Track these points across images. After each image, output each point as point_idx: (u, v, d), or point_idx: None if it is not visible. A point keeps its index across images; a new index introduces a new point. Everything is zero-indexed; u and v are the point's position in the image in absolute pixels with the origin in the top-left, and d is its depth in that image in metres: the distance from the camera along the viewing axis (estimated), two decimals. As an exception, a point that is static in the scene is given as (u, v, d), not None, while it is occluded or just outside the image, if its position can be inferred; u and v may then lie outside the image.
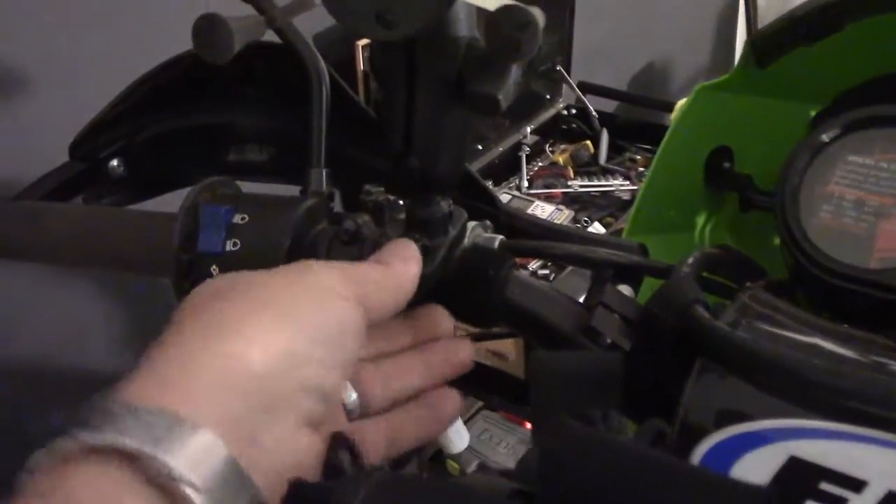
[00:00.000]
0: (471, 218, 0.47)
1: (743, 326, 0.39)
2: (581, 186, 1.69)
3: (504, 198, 1.65)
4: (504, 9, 0.32)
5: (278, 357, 0.33)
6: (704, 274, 0.46)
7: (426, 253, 0.41)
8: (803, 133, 0.59)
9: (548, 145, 1.80)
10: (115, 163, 0.58)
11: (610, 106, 1.93)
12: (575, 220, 1.60)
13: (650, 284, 0.47)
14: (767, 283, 0.45)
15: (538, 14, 0.32)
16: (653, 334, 0.40)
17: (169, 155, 0.58)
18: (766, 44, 0.53)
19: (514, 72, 0.36)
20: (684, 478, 0.29)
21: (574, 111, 1.86)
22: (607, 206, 1.64)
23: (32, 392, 1.10)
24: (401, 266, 0.40)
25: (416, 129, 0.40)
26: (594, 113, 1.80)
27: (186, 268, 0.43)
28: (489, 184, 1.67)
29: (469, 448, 1.48)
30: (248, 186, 0.54)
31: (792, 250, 0.45)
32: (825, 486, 0.34)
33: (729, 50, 2.47)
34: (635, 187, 1.66)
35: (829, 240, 0.44)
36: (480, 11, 0.36)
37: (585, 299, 0.44)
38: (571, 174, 1.72)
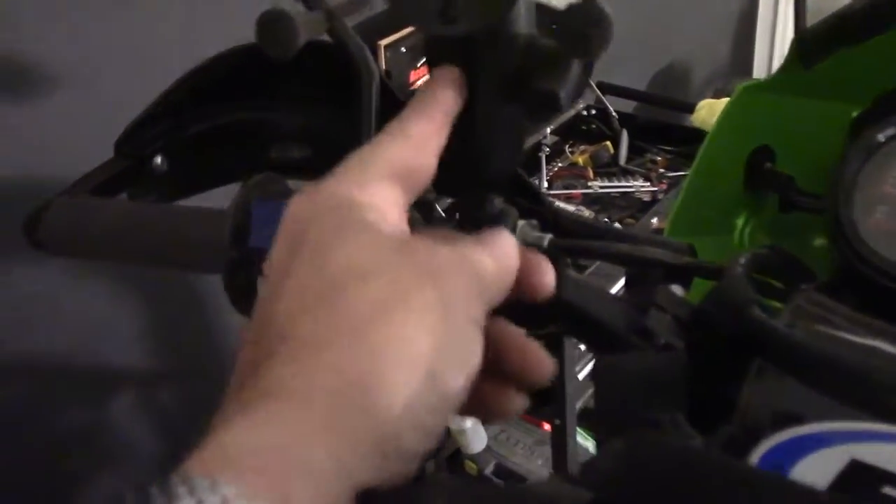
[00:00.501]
0: (521, 216, 0.47)
1: (800, 328, 0.39)
2: (601, 187, 1.69)
3: (524, 198, 1.65)
4: (578, 5, 0.32)
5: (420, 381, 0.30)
6: (754, 275, 0.46)
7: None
8: (844, 134, 0.59)
9: (567, 146, 1.80)
10: (158, 159, 0.58)
11: (629, 106, 1.92)
12: (595, 220, 1.60)
13: (697, 286, 0.47)
14: (818, 285, 0.45)
15: (610, 11, 0.32)
16: (708, 335, 0.40)
17: (212, 152, 0.58)
18: (812, 44, 0.53)
19: (576, 69, 0.36)
20: (770, 489, 0.29)
21: (594, 112, 1.85)
22: (627, 206, 1.64)
23: (48, 389, 1.11)
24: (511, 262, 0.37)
25: (472, 127, 0.40)
26: (614, 113, 1.80)
27: (237, 264, 0.43)
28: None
29: (487, 448, 1.48)
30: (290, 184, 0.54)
31: (844, 251, 0.45)
32: (888, 490, 0.34)
33: (748, 50, 2.46)
34: (655, 188, 1.66)
35: (884, 241, 0.44)
36: (543, 9, 0.36)
37: (630, 296, 0.44)
38: (591, 175, 1.72)
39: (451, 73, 0.37)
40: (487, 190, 0.42)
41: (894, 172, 0.44)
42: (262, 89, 0.56)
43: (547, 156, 1.75)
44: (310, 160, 0.57)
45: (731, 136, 0.59)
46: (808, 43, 0.53)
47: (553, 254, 0.45)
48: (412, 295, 0.31)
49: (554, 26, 0.33)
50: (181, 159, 0.58)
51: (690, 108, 1.78)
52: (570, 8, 0.32)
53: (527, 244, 0.46)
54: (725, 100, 1.93)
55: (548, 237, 0.46)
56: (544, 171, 1.72)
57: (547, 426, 1.46)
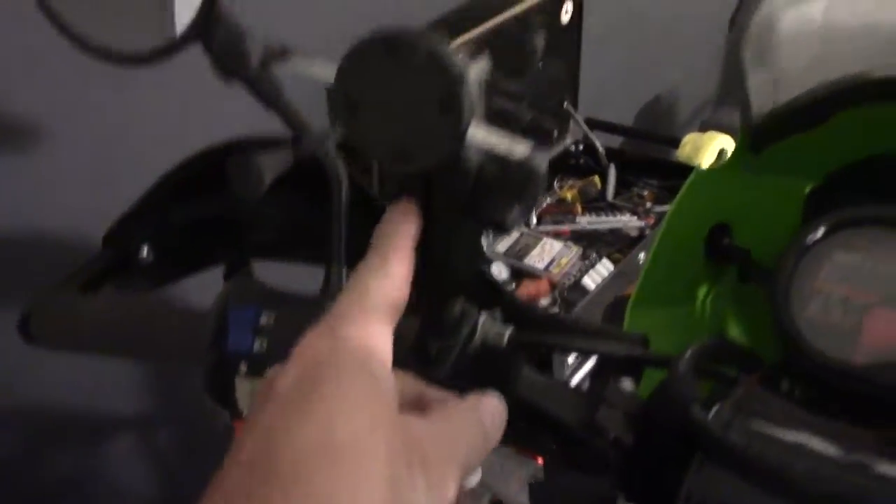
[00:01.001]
0: (483, 308, 0.50)
1: (736, 426, 0.42)
2: (589, 223, 1.71)
3: (513, 234, 1.68)
4: (509, 161, 0.35)
5: None
6: (704, 364, 0.49)
7: (439, 356, 0.44)
8: (799, 209, 0.62)
9: (556, 181, 1.83)
10: (144, 251, 0.61)
11: (616, 141, 1.96)
12: (584, 256, 1.63)
13: (653, 375, 0.50)
14: (762, 375, 0.48)
15: (542, 160, 0.35)
16: (653, 431, 0.43)
17: (195, 241, 0.61)
18: (761, 134, 0.56)
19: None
20: None
21: (582, 147, 1.88)
22: (615, 242, 1.67)
23: (44, 435, 1.13)
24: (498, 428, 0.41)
25: (430, 241, 0.43)
26: (601, 149, 1.83)
27: (216, 366, 0.46)
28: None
29: (480, 482, 1.50)
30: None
31: (785, 344, 0.48)
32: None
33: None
34: (643, 223, 1.69)
35: (818, 334, 0.47)
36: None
37: (589, 391, 0.47)
38: (580, 210, 1.75)
39: (408, 207, 0.41)
40: (448, 296, 0.45)
41: (826, 270, 0.47)
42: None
43: (536, 192, 1.78)
44: (288, 245, 0.60)
45: (690, 214, 0.62)
46: (757, 135, 0.56)
47: (513, 352, 0.48)
48: (403, 479, 0.34)
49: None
50: (166, 249, 0.61)
51: (676, 143, 1.81)
52: (507, 160, 0.35)
53: (487, 342, 0.49)
54: (710, 133, 1.95)
55: (507, 333, 0.49)
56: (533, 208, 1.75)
57: (540, 460, 1.49)
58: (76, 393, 1.13)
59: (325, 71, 0.39)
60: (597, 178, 1.78)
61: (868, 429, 0.44)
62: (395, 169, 0.38)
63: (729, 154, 0.61)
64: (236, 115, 0.56)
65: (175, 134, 0.73)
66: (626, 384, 0.47)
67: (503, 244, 1.65)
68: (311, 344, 0.37)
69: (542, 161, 0.35)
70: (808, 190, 0.63)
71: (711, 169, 0.61)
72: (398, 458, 0.34)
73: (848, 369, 0.46)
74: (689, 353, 0.46)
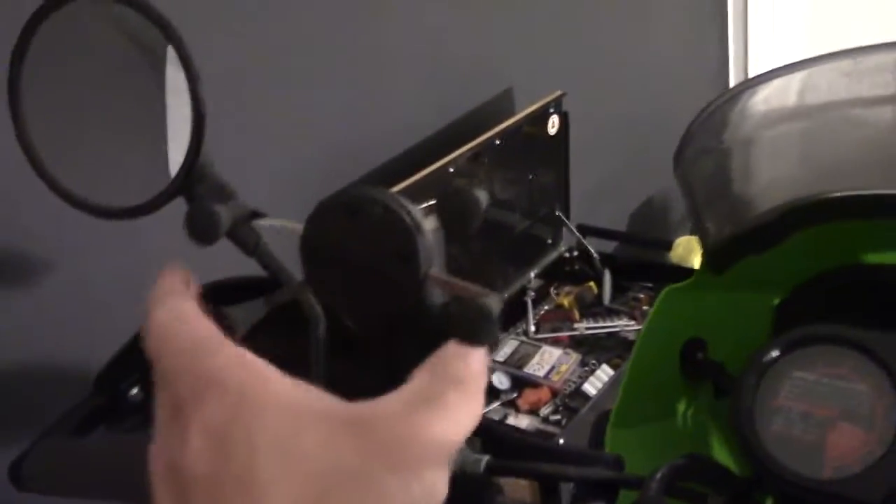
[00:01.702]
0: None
1: (706, 546, 0.43)
2: (587, 328, 1.73)
3: (512, 343, 1.70)
4: (464, 303, 0.37)
5: None
6: (679, 482, 0.50)
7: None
8: (769, 321, 0.64)
9: (552, 288, 1.85)
10: (134, 391, 0.63)
11: (610, 247, 1.99)
12: (583, 363, 1.64)
13: (629, 496, 0.51)
14: (733, 490, 0.49)
15: (494, 303, 0.37)
16: (626, 553, 0.45)
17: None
18: (719, 255, 0.59)
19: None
20: None
21: (576, 253, 1.91)
22: (614, 346, 1.68)
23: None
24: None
25: (398, 375, 0.45)
26: (595, 255, 1.86)
27: None
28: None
29: None
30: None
31: (751, 462, 0.49)
32: None
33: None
34: (640, 327, 1.70)
35: (784, 450, 0.48)
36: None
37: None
38: (577, 316, 1.77)
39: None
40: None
41: (786, 387, 0.49)
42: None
43: (532, 299, 1.80)
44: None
45: (663, 332, 0.64)
46: (715, 256, 0.59)
47: (488, 479, 0.50)
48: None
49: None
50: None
51: (668, 246, 1.84)
52: (458, 303, 0.38)
53: (465, 468, 0.50)
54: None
55: (484, 460, 0.50)
56: (531, 315, 1.77)
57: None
58: None
59: (294, 229, 0.42)
60: (592, 284, 1.81)
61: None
62: (358, 317, 0.41)
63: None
64: (227, 256, 0.59)
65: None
66: (599, 506, 0.48)
67: (502, 353, 1.67)
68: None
69: (496, 303, 0.38)
70: (776, 302, 0.65)
71: (681, 286, 0.63)
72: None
73: (815, 485, 0.47)
74: (659, 473, 0.48)
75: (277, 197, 0.54)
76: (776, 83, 0.61)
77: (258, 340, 0.62)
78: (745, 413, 0.49)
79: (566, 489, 0.63)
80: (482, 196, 0.38)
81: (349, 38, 1.37)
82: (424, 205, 0.40)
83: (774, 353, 0.50)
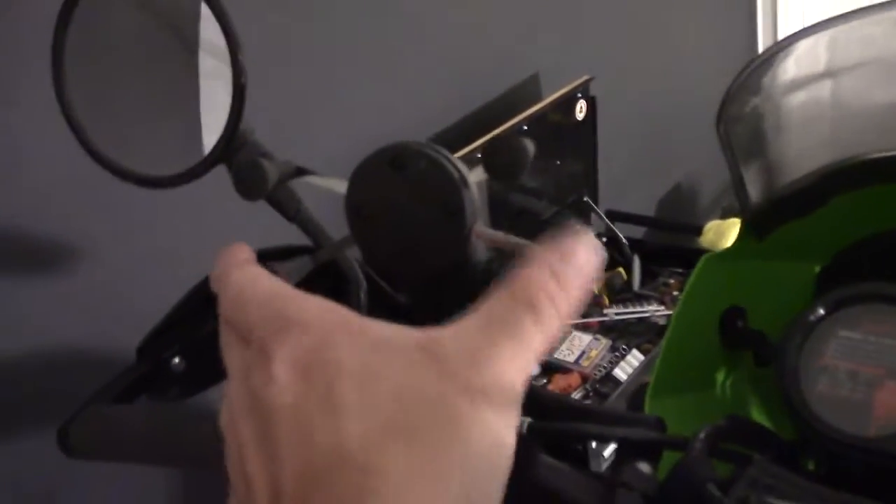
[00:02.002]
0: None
1: (752, 502, 0.43)
2: (617, 314, 1.72)
3: (542, 330, 1.69)
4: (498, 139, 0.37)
5: None
6: (720, 444, 0.50)
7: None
8: (810, 288, 0.64)
9: (581, 275, 1.84)
10: (176, 360, 0.64)
11: (639, 232, 1.98)
12: (613, 348, 1.63)
13: (672, 457, 0.51)
14: (776, 452, 0.49)
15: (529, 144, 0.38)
16: (672, 511, 0.44)
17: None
18: (760, 222, 0.58)
19: None
20: None
21: (605, 239, 1.91)
22: (644, 332, 1.67)
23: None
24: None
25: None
26: (624, 240, 1.85)
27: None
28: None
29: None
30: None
31: (795, 420, 0.49)
32: None
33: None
34: (670, 312, 1.69)
35: (830, 410, 0.48)
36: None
37: (608, 476, 0.48)
38: (607, 302, 1.76)
39: None
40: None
41: (832, 347, 0.49)
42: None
43: (562, 286, 1.80)
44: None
45: (701, 300, 0.64)
46: (757, 221, 0.59)
47: (530, 439, 0.50)
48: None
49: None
50: (197, 358, 0.64)
51: (698, 231, 1.83)
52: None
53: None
54: (732, 220, 1.98)
55: (527, 422, 0.50)
56: (560, 302, 1.76)
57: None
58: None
59: (338, 186, 0.42)
60: (622, 270, 1.80)
61: (881, 500, 0.44)
62: (405, 273, 0.41)
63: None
64: (267, 226, 0.59)
65: (208, 244, 0.77)
66: (644, 467, 0.48)
67: (532, 340, 1.67)
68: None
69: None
70: (817, 270, 0.64)
71: (720, 254, 0.63)
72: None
73: (862, 442, 0.47)
74: (703, 433, 0.48)
75: (306, 187, 0.54)
76: (805, 43, 0.61)
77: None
78: (790, 374, 0.49)
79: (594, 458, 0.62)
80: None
81: (375, 26, 1.38)
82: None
83: (819, 313, 0.50)
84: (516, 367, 0.33)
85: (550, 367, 1.61)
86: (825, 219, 0.59)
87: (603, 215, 1.88)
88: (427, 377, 0.32)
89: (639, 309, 1.73)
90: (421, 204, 0.40)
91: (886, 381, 0.47)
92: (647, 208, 2.17)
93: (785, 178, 0.58)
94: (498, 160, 0.38)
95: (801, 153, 0.61)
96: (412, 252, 0.40)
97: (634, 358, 1.60)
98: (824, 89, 0.63)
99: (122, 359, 0.65)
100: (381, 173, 0.40)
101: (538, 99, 1.72)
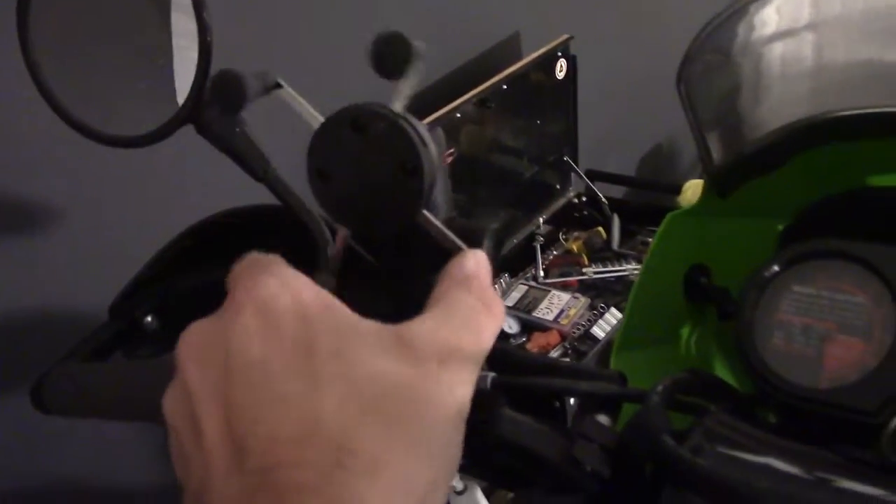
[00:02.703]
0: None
1: (705, 451, 0.44)
2: (596, 273, 1.74)
3: (521, 288, 1.71)
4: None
5: None
6: (678, 396, 0.51)
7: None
8: (773, 246, 0.65)
9: (561, 234, 1.86)
10: (149, 319, 0.65)
11: (619, 191, 1.99)
12: (591, 306, 1.65)
13: (631, 410, 0.52)
14: (733, 404, 0.50)
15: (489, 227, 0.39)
16: (627, 462, 0.46)
17: (198, 307, 0.64)
18: (723, 179, 0.59)
19: (491, 238, 0.43)
20: None
21: (584, 199, 1.92)
22: (623, 290, 1.69)
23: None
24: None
25: (408, 294, 0.46)
26: (604, 200, 1.87)
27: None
28: (506, 276, 1.74)
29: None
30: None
31: (750, 374, 0.50)
32: None
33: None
34: (648, 269, 1.71)
35: (783, 363, 0.49)
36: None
37: (571, 428, 0.49)
38: (586, 261, 1.78)
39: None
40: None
41: (785, 302, 0.50)
42: (240, 249, 0.63)
43: (541, 245, 1.81)
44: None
45: (667, 258, 0.65)
46: (719, 179, 0.59)
47: (494, 393, 0.51)
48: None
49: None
50: (170, 317, 0.65)
51: (677, 190, 1.84)
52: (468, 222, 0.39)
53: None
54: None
55: (490, 377, 0.52)
56: (539, 261, 1.78)
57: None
58: (94, 468, 1.16)
59: (312, 114, 0.43)
60: (601, 229, 1.82)
61: (833, 450, 0.46)
62: (367, 233, 0.42)
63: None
64: (238, 185, 0.60)
65: (177, 205, 0.77)
66: (603, 419, 0.49)
67: (512, 298, 1.68)
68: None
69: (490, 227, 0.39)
70: (780, 228, 0.65)
71: (685, 212, 0.64)
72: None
73: (813, 394, 0.48)
74: (661, 386, 0.49)
75: (280, 146, 0.54)
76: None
77: (274, 233, 0.63)
78: (746, 328, 0.50)
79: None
80: (417, 43, 0.39)
81: (354, -18, 1.37)
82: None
83: (775, 269, 0.51)
84: (475, 356, 0.37)
85: (530, 326, 1.63)
86: (788, 177, 0.60)
87: (583, 175, 1.89)
88: (402, 366, 0.34)
89: (618, 268, 1.75)
90: (380, 164, 0.40)
91: (837, 335, 0.49)
92: (628, 168, 2.18)
93: (751, 135, 0.59)
94: (385, 55, 0.39)
95: (772, 109, 0.62)
96: (373, 212, 0.41)
97: (613, 316, 1.62)
98: (805, 42, 0.63)
99: (95, 319, 0.66)
100: (342, 135, 0.41)
101: (518, 58, 1.72)
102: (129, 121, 0.56)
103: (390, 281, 0.47)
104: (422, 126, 0.41)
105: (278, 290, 0.34)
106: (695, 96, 0.57)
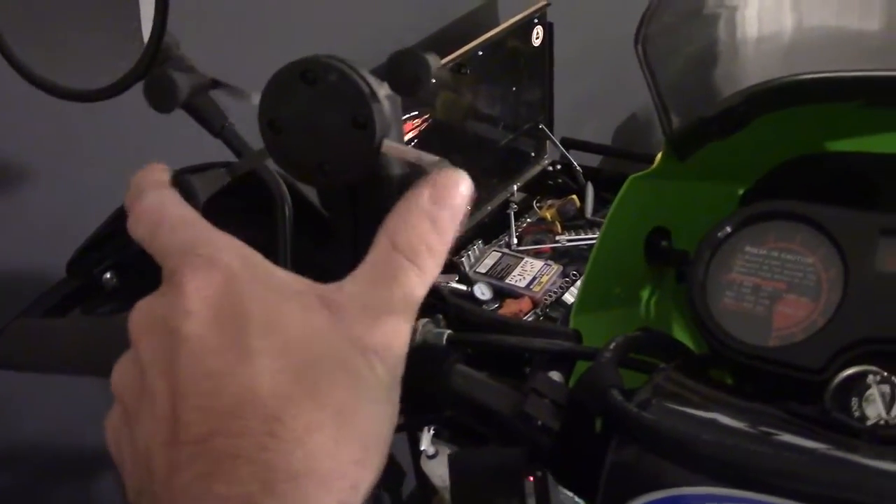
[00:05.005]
0: (425, 313, 0.53)
1: (653, 406, 0.45)
2: (569, 241, 1.75)
3: (494, 255, 1.72)
4: (423, 172, 0.38)
5: None
6: (631, 355, 0.52)
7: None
8: (734, 209, 0.65)
9: (535, 201, 1.87)
10: (107, 276, 0.64)
11: (594, 160, 1.99)
12: (564, 273, 1.66)
13: (584, 367, 0.53)
14: (683, 362, 0.51)
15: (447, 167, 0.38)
16: (577, 415, 0.46)
17: (156, 264, 0.64)
18: (682, 142, 0.59)
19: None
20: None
21: (559, 167, 1.92)
22: (595, 258, 1.70)
23: (36, 473, 1.15)
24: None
25: (361, 251, 0.46)
26: (578, 168, 1.87)
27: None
28: (479, 242, 1.74)
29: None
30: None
31: (703, 333, 0.51)
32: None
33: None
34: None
35: (733, 322, 0.50)
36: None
37: (523, 384, 0.50)
38: (559, 229, 1.78)
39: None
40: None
41: (737, 263, 0.51)
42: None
43: (515, 212, 1.82)
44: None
45: (627, 220, 0.65)
46: (678, 142, 0.60)
47: (448, 349, 0.51)
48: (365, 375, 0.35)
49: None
50: (128, 274, 0.65)
51: (652, 159, 1.84)
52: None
53: (427, 341, 0.52)
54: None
55: (446, 333, 0.52)
56: (513, 228, 1.79)
57: (531, 478, 1.51)
58: (66, 430, 1.16)
59: (253, 99, 0.43)
60: (575, 197, 1.82)
61: (780, 407, 0.47)
62: (319, 185, 0.42)
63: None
64: (196, 142, 0.60)
65: (136, 161, 0.77)
66: (555, 375, 0.50)
67: (485, 265, 1.69)
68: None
69: (443, 166, 0.39)
70: (740, 192, 0.66)
71: (645, 174, 0.64)
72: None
73: (762, 352, 0.49)
74: (613, 343, 0.50)
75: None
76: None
77: (220, 212, 0.63)
78: (699, 288, 0.51)
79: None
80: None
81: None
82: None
83: (727, 229, 0.52)
84: (403, 319, 0.36)
85: (502, 293, 1.64)
86: (748, 141, 0.60)
87: (558, 143, 1.89)
88: (328, 330, 0.34)
89: (591, 236, 1.75)
90: (331, 117, 0.40)
91: (786, 294, 0.49)
92: (603, 137, 2.18)
93: (712, 98, 0.59)
94: (400, 75, 0.39)
95: (734, 71, 0.62)
96: (324, 166, 0.41)
97: (584, 284, 1.63)
98: (769, 6, 0.63)
99: (53, 278, 0.66)
100: (293, 86, 0.41)
101: (495, 24, 1.71)
102: (86, 75, 0.55)
103: (345, 237, 0.47)
104: (374, 79, 0.41)
105: (208, 265, 0.35)
106: (654, 57, 0.57)
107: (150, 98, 0.43)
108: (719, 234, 0.51)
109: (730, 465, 0.40)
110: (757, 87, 0.58)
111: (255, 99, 0.42)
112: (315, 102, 0.40)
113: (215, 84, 0.46)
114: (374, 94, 0.40)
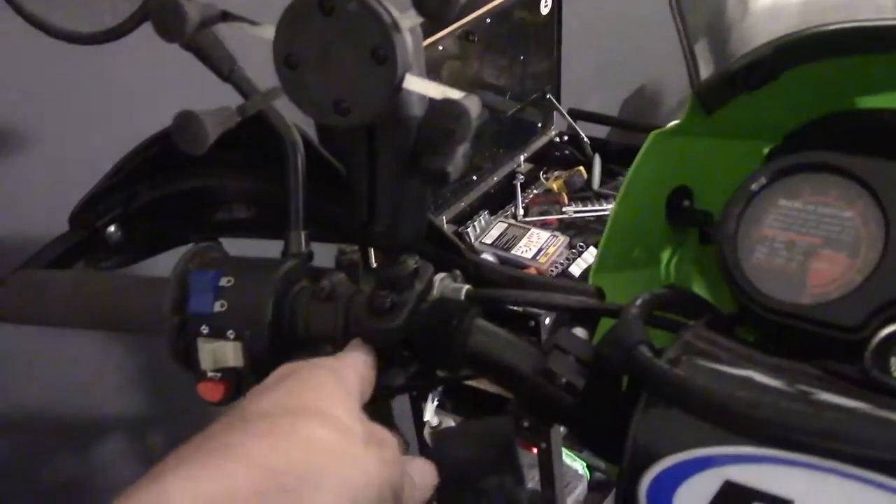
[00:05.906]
0: (443, 269, 0.51)
1: (683, 363, 0.43)
2: (576, 212, 1.72)
3: (500, 226, 1.69)
4: (441, 102, 0.36)
5: None
6: (656, 313, 0.50)
7: (394, 308, 0.45)
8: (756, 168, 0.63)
9: (542, 172, 1.84)
10: (112, 229, 0.62)
11: (601, 131, 1.97)
12: (570, 245, 1.64)
13: (608, 325, 0.51)
14: (712, 319, 0.49)
15: (473, 104, 0.36)
16: (603, 373, 0.44)
17: (162, 218, 0.62)
18: (710, 94, 0.57)
19: (462, 147, 0.41)
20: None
21: (566, 138, 1.89)
22: (602, 230, 1.67)
23: (38, 440, 1.14)
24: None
25: (378, 199, 0.44)
26: (586, 139, 1.84)
27: (178, 328, 0.47)
28: (485, 213, 1.71)
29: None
30: (236, 242, 0.58)
31: (733, 290, 0.49)
32: (757, 507, 0.38)
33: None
34: (628, 210, 1.70)
35: (766, 279, 0.48)
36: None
37: (544, 342, 0.48)
38: (566, 200, 1.76)
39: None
40: (398, 252, 0.46)
41: (771, 216, 0.48)
42: (206, 158, 0.60)
43: (522, 183, 1.79)
44: (253, 220, 0.61)
45: (649, 179, 0.63)
46: (706, 94, 0.57)
47: (467, 304, 0.49)
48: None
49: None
50: (133, 227, 0.63)
51: (659, 130, 1.82)
52: (437, 104, 0.36)
53: (444, 297, 0.50)
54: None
55: (465, 289, 0.50)
56: (520, 199, 1.76)
57: (535, 450, 1.50)
58: (68, 396, 1.14)
59: (268, 32, 0.40)
60: (582, 168, 1.79)
61: (815, 365, 0.45)
62: (335, 124, 0.40)
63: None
64: (203, 88, 0.57)
65: (142, 110, 0.75)
66: (580, 332, 0.48)
67: (490, 235, 1.67)
68: None
69: (473, 103, 0.36)
70: (766, 151, 0.64)
71: (669, 130, 0.62)
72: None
73: (797, 310, 0.47)
74: (640, 300, 0.47)
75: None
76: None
77: (245, 171, 0.61)
78: (730, 243, 0.49)
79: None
80: (474, 105, 0.36)
81: None
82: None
83: (762, 180, 0.49)
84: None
85: (508, 264, 1.61)
86: (776, 97, 0.58)
87: (565, 113, 1.86)
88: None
89: (597, 207, 1.73)
90: (350, 50, 0.38)
91: (822, 249, 0.47)
92: (611, 108, 2.15)
93: (740, 49, 0.57)
94: (440, 124, 0.37)
95: (769, 22, 0.59)
96: (342, 103, 0.39)
97: (591, 255, 1.60)
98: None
99: (56, 231, 0.63)
100: (310, 17, 0.38)
101: (503, -9, 1.68)
102: (88, 18, 0.53)
103: (360, 186, 0.45)
104: (395, 11, 0.38)
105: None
106: (686, 6, 0.55)
107: (157, 25, 0.41)
108: (752, 187, 0.49)
109: (767, 424, 0.38)
110: (786, 37, 0.55)
111: (269, 32, 0.40)
112: (333, 34, 0.38)
113: (226, 16, 0.44)
114: (395, 24, 0.38)
